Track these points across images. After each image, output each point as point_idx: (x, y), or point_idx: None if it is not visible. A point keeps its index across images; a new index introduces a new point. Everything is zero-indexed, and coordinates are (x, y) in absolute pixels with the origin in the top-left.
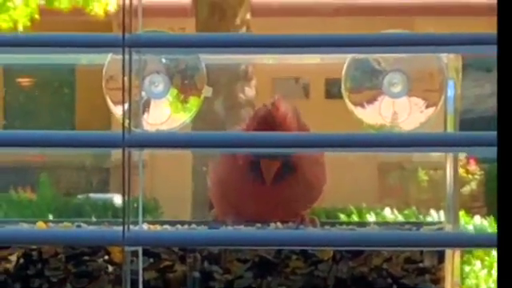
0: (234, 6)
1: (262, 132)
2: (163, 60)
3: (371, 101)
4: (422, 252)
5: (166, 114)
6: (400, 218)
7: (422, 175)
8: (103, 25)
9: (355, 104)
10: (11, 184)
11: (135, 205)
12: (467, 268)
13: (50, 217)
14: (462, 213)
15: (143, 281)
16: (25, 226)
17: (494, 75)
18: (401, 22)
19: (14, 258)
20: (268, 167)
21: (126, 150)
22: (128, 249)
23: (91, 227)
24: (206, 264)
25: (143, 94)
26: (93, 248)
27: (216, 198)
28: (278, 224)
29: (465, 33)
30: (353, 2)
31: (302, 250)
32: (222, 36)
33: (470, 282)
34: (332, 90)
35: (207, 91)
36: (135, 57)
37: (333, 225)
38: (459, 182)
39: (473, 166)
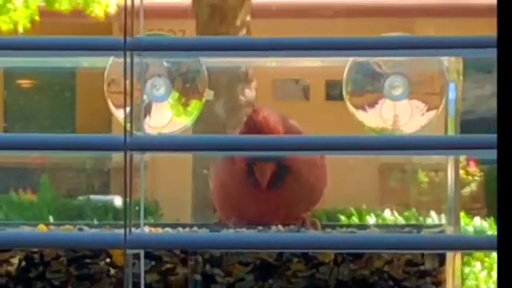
0: (234, 7)
1: (263, 135)
2: (165, 63)
3: (372, 104)
4: (423, 254)
5: (167, 117)
6: (400, 220)
7: (423, 177)
8: (103, 26)
9: (356, 107)
10: (12, 185)
11: (136, 207)
12: (467, 269)
13: (51, 218)
14: (462, 214)
15: (145, 284)
16: (26, 229)
17: (495, 76)
18: (401, 23)
19: (15, 260)
20: (262, 170)
21: (128, 154)
22: (130, 252)
23: (93, 230)
24: (207, 267)
25: (145, 97)
26: (94, 251)
27: (218, 201)
28: (280, 227)
29: (465, 36)
30: (353, 3)
31: (304, 252)
32: (223, 39)
33: (470, 283)
34: (332, 92)
35: (209, 94)
36: (137, 60)
37: (334, 227)
38: (459, 183)
39: (473, 168)
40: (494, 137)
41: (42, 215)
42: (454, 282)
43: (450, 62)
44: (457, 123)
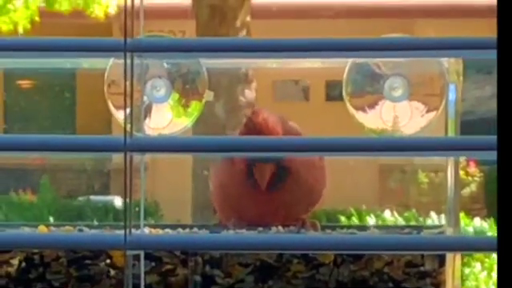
0: (234, 8)
1: (262, 137)
2: (165, 64)
3: (372, 105)
4: (422, 256)
5: (167, 118)
6: (400, 221)
7: (423, 177)
8: (103, 27)
9: (356, 108)
10: (12, 186)
11: (136, 208)
12: (467, 270)
13: (51, 219)
14: (461, 215)
15: (145, 284)
16: (26, 230)
17: (495, 77)
18: (401, 24)
19: (15, 261)
20: (261, 172)
21: (128, 155)
22: (130, 253)
23: (93, 231)
24: (207, 268)
25: (145, 98)
26: (94, 252)
27: (218, 202)
28: (279, 228)
29: (465, 37)
30: (353, 4)
31: (303, 253)
32: (223, 40)
33: (470, 283)
34: (332, 93)
35: (208, 95)
36: (137, 61)
37: (334, 228)
38: (459, 184)
39: (472, 168)
40: (494, 138)
41: (42, 216)
42: (453, 282)
43: (450, 63)
44: (457, 124)
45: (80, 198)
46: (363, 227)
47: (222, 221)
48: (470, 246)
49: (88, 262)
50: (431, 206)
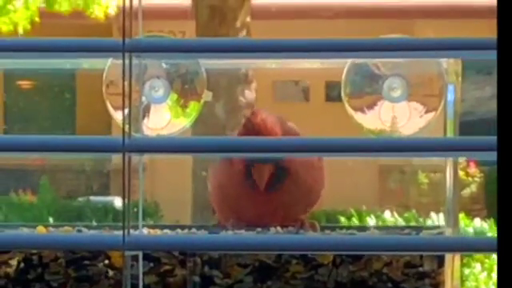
0: (234, 9)
1: (261, 137)
2: (163, 65)
3: (371, 106)
4: (421, 256)
5: (166, 118)
6: (400, 221)
7: (423, 178)
8: (103, 28)
9: (355, 109)
10: (12, 187)
11: (135, 209)
12: (467, 271)
13: (51, 220)
14: (461, 215)
15: (143, 285)
16: (25, 231)
17: (495, 78)
18: (401, 25)
19: (14, 262)
20: (260, 172)
21: (126, 155)
22: (128, 253)
23: (91, 232)
24: (206, 268)
25: (143, 98)
26: (93, 252)
27: (216, 202)
28: (278, 229)
29: (465, 37)
30: (352, 5)
31: (302, 254)
32: (222, 41)
33: (470, 284)
34: (332, 94)
35: (207, 96)
36: (135, 61)
37: (333, 229)
38: (459, 184)
39: (473, 169)
40: (493, 138)
41: (42, 216)
42: (452, 283)
43: (449, 64)
44: (456, 125)
45: (80, 199)
46: (362, 228)
47: (220, 221)
48: (470, 247)
49: (86, 262)
50: (431, 207)
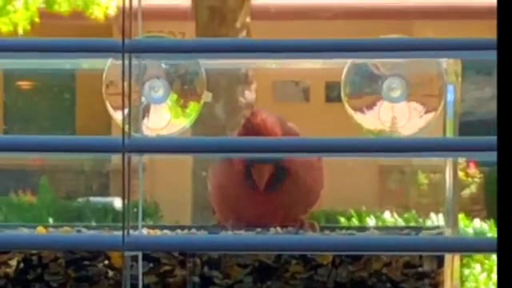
0: (234, 9)
1: (261, 137)
2: (163, 65)
3: (370, 106)
4: (421, 256)
5: (165, 119)
6: (400, 222)
7: (422, 178)
8: (103, 28)
9: (355, 109)
10: (11, 187)
11: (135, 209)
12: (467, 271)
13: (50, 220)
14: (461, 216)
15: (143, 285)
16: (25, 231)
17: (494, 78)
18: (400, 25)
19: (14, 262)
20: (260, 173)
21: (126, 155)
22: (128, 254)
23: (91, 232)
24: (205, 269)
25: (143, 99)
26: (93, 253)
27: (216, 202)
28: (278, 229)
29: (464, 38)
30: (352, 5)
31: (302, 254)
32: (222, 41)
33: (470, 285)
34: (332, 94)
35: (207, 96)
36: (135, 62)
37: (332, 229)
38: (459, 185)
39: (472, 169)
40: (493, 139)
41: (42, 217)
42: (452, 283)
43: (449, 64)
44: (455, 125)
45: (79, 199)
46: (362, 228)
47: (220, 221)
48: (470, 247)
49: (86, 262)
50: (431, 207)
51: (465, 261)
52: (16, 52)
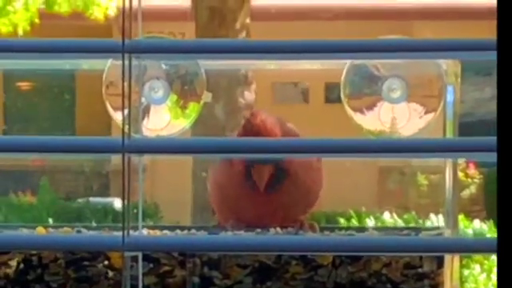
0: (233, 10)
1: (261, 138)
2: (163, 66)
3: (370, 106)
4: (421, 257)
5: (165, 119)
6: (399, 223)
7: (422, 179)
8: (103, 29)
9: (354, 110)
10: (11, 188)
11: (135, 210)
12: (466, 272)
13: (50, 221)
14: (461, 216)
15: (143, 286)
16: (25, 232)
17: (494, 79)
18: (399, 26)
19: (13, 263)
20: (260, 173)
21: (126, 156)
22: (128, 254)
23: (91, 232)
24: (205, 269)
25: (143, 99)
26: (93, 253)
27: (216, 203)
28: (278, 229)
29: (464, 38)
30: (352, 6)
31: (302, 255)
32: (221, 42)
33: (469, 285)
34: (331, 95)
35: (207, 97)
36: (135, 62)
37: (332, 230)
38: (458, 186)
39: (472, 170)
40: (493, 139)
41: (42, 218)
42: (452, 284)
43: (448, 65)
44: (455, 126)
45: (79, 200)
46: (361, 229)
47: (220, 222)
48: (470, 248)
49: (86, 263)
50: (431, 208)
51: (464, 261)
52: (15, 52)
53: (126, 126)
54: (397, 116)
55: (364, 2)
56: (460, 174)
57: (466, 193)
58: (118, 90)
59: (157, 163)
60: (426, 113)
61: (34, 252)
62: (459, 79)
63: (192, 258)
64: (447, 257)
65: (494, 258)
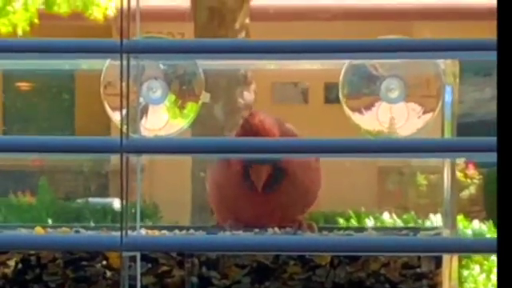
0: (233, 10)
1: (259, 138)
2: (161, 66)
3: (369, 106)
4: (419, 257)
5: (163, 119)
6: (399, 223)
7: (421, 180)
8: (103, 29)
9: (353, 110)
10: (11, 188)
11: (133, 210)
12: (466, 272)
13: (49, 221)
14: (460, 217)
15: (141, 286)
16: (23, 232)
17: (494, 79)
18: (399, 26)
19: (12, 263)
20: (258, 173)
21: (124, 156)
22: (126, 254)
23: (89, 232)
24: (203, 269)
25: (141, 99)
26: (91, 253)
27: (215, 203)
28: (276, 229)
29: (464, 38)
30: (350, 6)
31: (300, 255)
32: (220, 41)
33: (469, 286)
34: (331, 95)
35: (205, 97)
36: (133, 62)
37: (330, 230)
38: (458, 186)
39: (472, 171)
40: (492, 139)
41: (41, 218)
42: (450, 284)
43: (447, 65)
44: (453, 126)
45: (78, 200)
46: (360, 229)
47: (219, 222)
48: (470, 248)
49: (84, 263)
50: (430, 208)
51: (464, 262)
52: (14, 53)
53: (124, 126)
54: (395, 116)
55: (363, 2)
56: (459, 175)
57: (465, 193)
58: (116, 90)
59: (156, 163)
60: (424, 113)
61: (32, 252)
62: (457, 79)
63: (190, 258)
64: (446, 257)
65: (493, 258)
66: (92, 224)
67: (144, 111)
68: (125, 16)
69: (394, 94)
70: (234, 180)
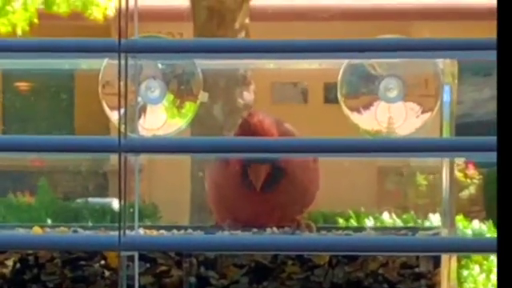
0: (232, 10)
1: (258, 137)
2: (159, 65)
3: (367, 106)
4: (417, 257)
5: (161, 119)
6: (398, 223)
7: (421, 179)
8: (102, 29)
9: (351, 109)
10: (10, 188)
11: (131, 210)
12: (465, 272)
13: (49, 221)
14: (460, 217)
15: (139, 286)
16: (21, 231)
17: (493, 79)
18: (398, 26)
19: (10, 262)
20: (256, 173)
21: (122, 155)
22: (124, 254)
23: (87, 232)
24: (202, 269)
25: (139, 99)
26: (89, 253)
27: (213, 203)
28: (274, 229)
29: (463, 38)
30: (349, 6)
31: (298, 255)
32: (219, 41)
33: (469, 286)
34: (330, 95)
35: (203, 96)
36: (131, 62)
37: (329, 230)
38: (457, 186)
39: (471, 171)
40: (491, 139)
41: (40, 218)
42: (449, 284)
43: (445, 65)
44: (452, 126)
45: (78, 200)
46: (359, 229)
47: (218, 222)
48: (470, 248)
49: (82, 262)
50: (429, 208)
51: (463, 262)
52: (13, 52)
53: (123, 126)
54: (393, 115)
55: (362, 2)
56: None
57: (465, 193)
58: (114, 89)
59: (155, 163)
60: (422, 112)
61: (30, 252)
62: (456, 79)
63: (188, 257)
64: (444, 257)
65: (493, 258)
66: (91, 224)
67: (142, 111)
68: (123, 16)
69: (393, 94)
70: (232, 180)
